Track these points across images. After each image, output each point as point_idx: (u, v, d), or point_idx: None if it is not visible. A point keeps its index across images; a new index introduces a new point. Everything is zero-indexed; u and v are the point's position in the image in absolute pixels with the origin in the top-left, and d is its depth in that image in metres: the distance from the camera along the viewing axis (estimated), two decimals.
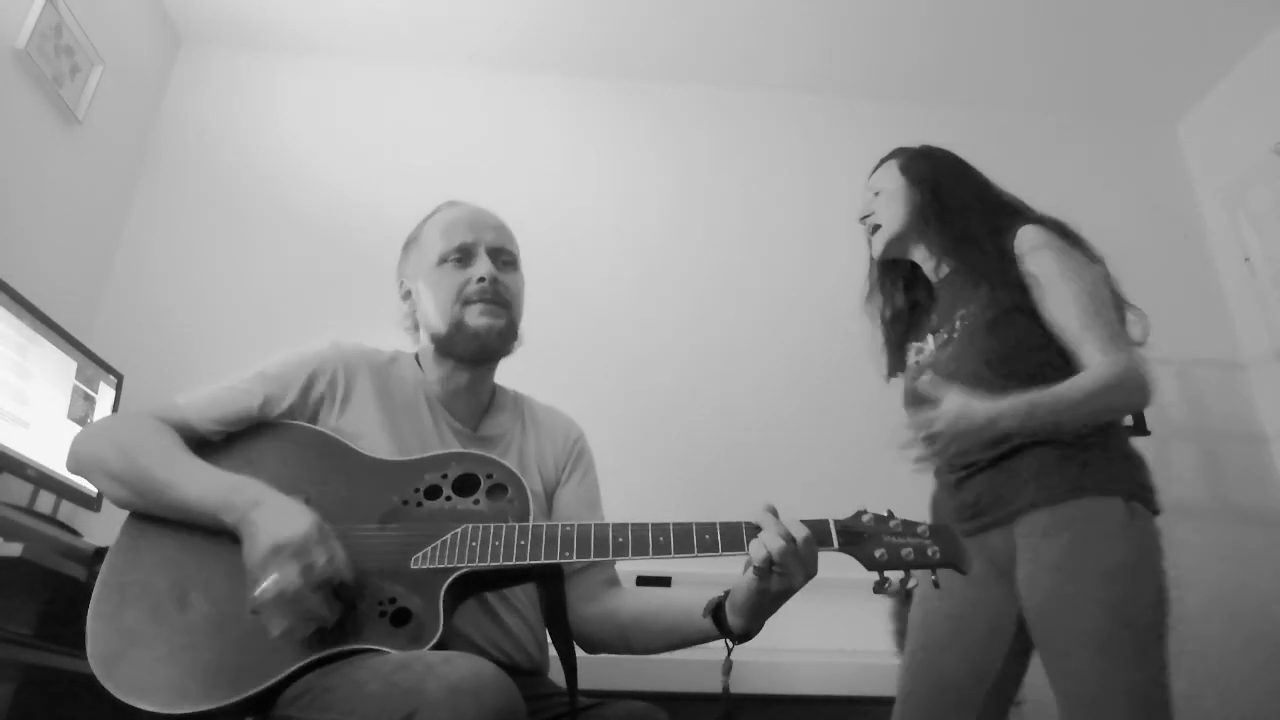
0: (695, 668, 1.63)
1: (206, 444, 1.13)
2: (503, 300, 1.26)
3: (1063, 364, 1.38)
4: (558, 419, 1.38)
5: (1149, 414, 2.34)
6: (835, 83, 3.09)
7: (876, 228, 1.61)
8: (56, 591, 1.44)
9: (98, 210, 2.56)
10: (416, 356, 1.33)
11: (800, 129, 3.08)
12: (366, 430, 1.17)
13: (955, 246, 1.51)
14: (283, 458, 1.12)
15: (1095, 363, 1.32)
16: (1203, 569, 2.55)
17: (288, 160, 2.82)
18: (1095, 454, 1.36)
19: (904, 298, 1.65)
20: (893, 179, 1.61)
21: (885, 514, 1.03)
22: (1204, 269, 3.00)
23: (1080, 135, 3.17)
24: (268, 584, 0.93)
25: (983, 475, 1.42)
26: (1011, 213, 1.53)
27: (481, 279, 1.25)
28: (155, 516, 1.07)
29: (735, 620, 1.05)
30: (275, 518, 0.98)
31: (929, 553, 0.99)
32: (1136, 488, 1.35)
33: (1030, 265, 1.41)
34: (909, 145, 1.67)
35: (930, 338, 1.54)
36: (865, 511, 1.04)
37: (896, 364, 1.64)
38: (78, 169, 2.44)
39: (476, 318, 1.24)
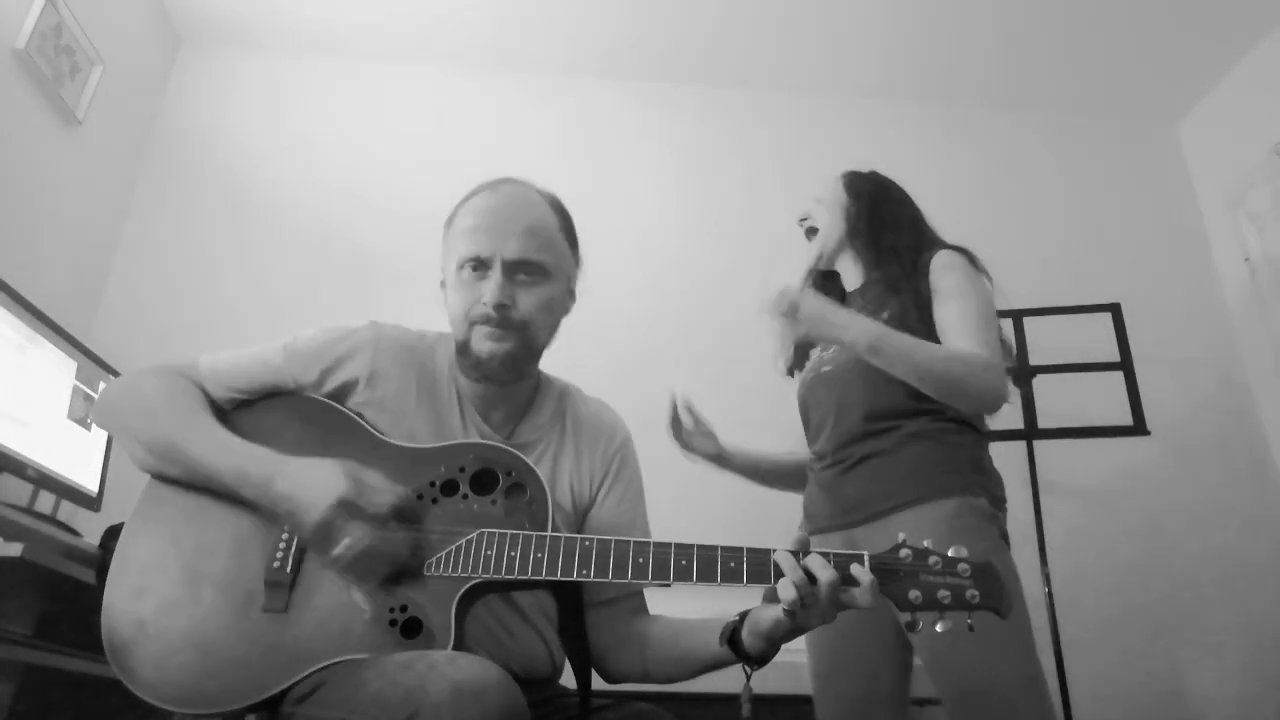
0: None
1: (220, 410, 1.13)
2: (512, 324, 1.13)
3: None
4: (601, 423, 1.26)
5: (1149, 414, 2.34)
6: (836, 83, 3.09)
7: (813, 231, 1.72)
8: (56, 591, 1.44)
9: (98, 210, 2.56)
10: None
11: (802, 129, 3.08)
12: (390, 420, 1.13)
13: (879, 259, 1.62)
14: (297, 436, 1.10)
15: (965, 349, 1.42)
16: (1201, 568, 2.55)
17: (288, 160, 2.82)
18: (968, 461, 1.47)
19: None
20: (834, 190, 1.72)
21: (924, 546, 0.96)
22: (1204, 269, 3.00)
23: (1080, 135, 3.17)
24: (340, 551, 0.95)
25: (861, 470, 1.49)
26: (933, 241, 1.64)
27: (486, 303, 1.12)
28: (170, 488, 1.08)
29: (754, 643, 0.99)
30: (305, 488, 0.98)
31: (967, 595, 0.93)
32: (998, 499, 1.46)
33: (936, 280, 1.52)
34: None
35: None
36: (904, 544, 0.96)
37: (800, 361, 1.73)
38: (78, 169, 2.44)
39: (481, 341, 1.12)
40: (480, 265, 1.14)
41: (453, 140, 2.91)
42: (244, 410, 1.14)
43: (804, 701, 1.78)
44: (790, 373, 1.79)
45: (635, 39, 2.93)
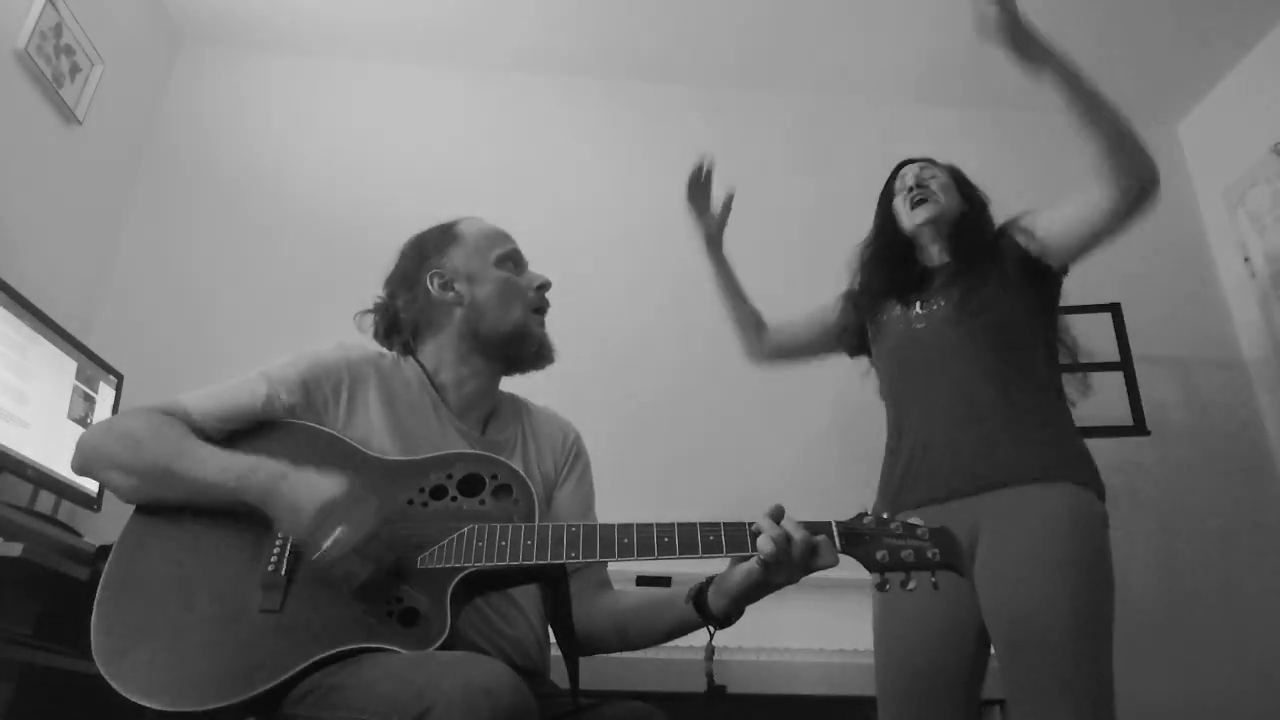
0: (694, 667, 1.62)
1: (210, 441, 1.13)
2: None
3: (1040, 339, 1.56)
4: (555, 421, 1.40)
5: (1149, 414, 2.34)
6: (835, 83, 3.09)
7: (924, 201, 1.70)
8: (56, 591, 1.44)
9: (98, 210, 2.56)
10: (416, 358, 1.31)
11: (798, 129, 3.08)
12: (372, 433, 1.17)
13: (971, 254, 1.64)
14: (287, 457, 1.11)
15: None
16: (1202, 569, 2.55)
17: (287, 160, 2.81)
18: (1072, 444, 1.46)
19: (895, 266, 1.75)
20: (945, 176, 1.75)
21: (885, 516, 1.04)
22: (1204, 269, 3.00)
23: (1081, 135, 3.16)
24: (333, 541, 0.96)
25: (967, 437, 1.48)
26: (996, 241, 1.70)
27: (542, 286, 1.32)
28: (160, 514, 1.07)
29: (719, 603, 1.07)
30: (310, 483, 1.00)
31: (929, 554, 1.00)
32: (1101, 489, 1.45)
33: (1023, 222, 1.62)
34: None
35: (918, 304, 1.65)
36: (866, 513, 1.04)
37: (854, 299, 1.77)
38: (78, 169, 2.44)
39: (538, 328, 1.31)
40: (517, 260, 1.34)
41: (452, 140, 2.91)
42: (234, 441, 1.15)
43: (796, 702, 1.79)
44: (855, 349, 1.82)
45: (632, 39, 2.92)
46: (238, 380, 1.18)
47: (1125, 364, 2.33)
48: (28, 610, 1.48)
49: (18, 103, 2.20)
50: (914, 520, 1.03)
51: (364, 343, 1.31)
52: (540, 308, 1.32)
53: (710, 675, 1.09)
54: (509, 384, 1.39)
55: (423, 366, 1.29)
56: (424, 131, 2.93)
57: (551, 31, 2.89)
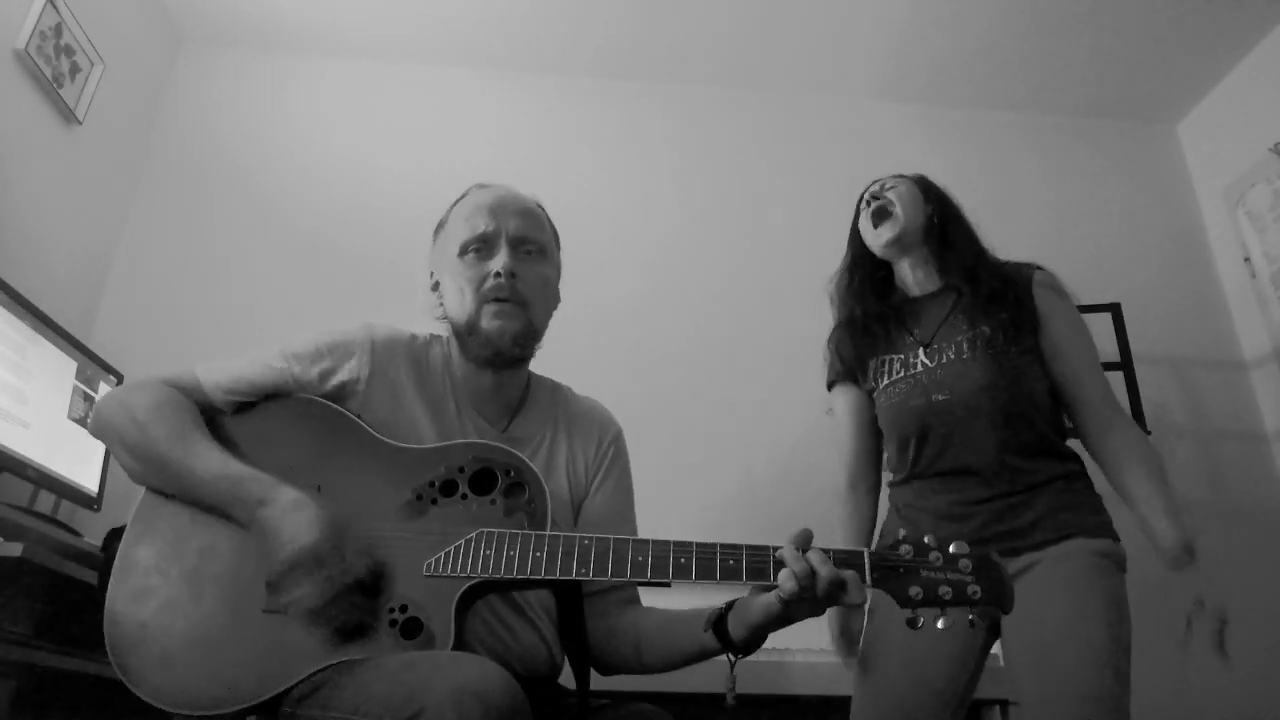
0: (700, 668, 1.62)
1: (220, 413, 1.13)
2: (520, 299, 1.17)
3: (1050, 400, 1.50)
4: (594, 417, 1.29)
5: (1149, 414, 2.34)
6: (837, 83, 3.09)
7: (888, 214, 1.60)
8: (56, 591, 1.44)
9: (98, 210, 2.56)
10: (449, 341, 1.26)
11: (804, 129, 3.08)
12: (388, 418, 1.13)
13: (966, 269, 1.56)
14: (297, 437, 1.11)
15: (1122, 430, 1.47)
16: (1202, 569, 2.54)
17: (288, 160, 2.81)
18: (1093, 496, 1.49)
19: (876, 304, 1.64)
20: (908, 186, 1.65)
21: (926, 541, 0.95)
22: (1204, 269, 3.00)
23: (1080, 135, 3.17)
24: (291, 600, 0.93)
25: (992, 507, 1.46)
26: (990, 255, 1.62)
27: (498, 274, 1.15)
28: (168, 496, 1.07)
29: (740, 631, 1.00)
30: (288, 524, 0.96)
31: (969, 591, 0.91)
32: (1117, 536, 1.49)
33: (1045, 305, 1.51)
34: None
35: (922, 350, 1.53)
36: (904, 539, 0.95)
37: (852, 372, 1.62)
38: (78, 169, 2.44)
39: (490, 320, 1.15)
40: (484, 244, 1.19)
41: (453, 141, 2.91)
42: (244, 413, 1.14)
43: (795, 702, 1.78)
44: (837, 383, 1.68)
45: (635, 39, 2.92)
46: (256, 355, 1.16)
47: (1125, 364, 2.33)
48: (28, 610, 1.47)
49: (18, 103, 2.20)
50: (955, 549, 0.93)
51: (393, 324, 1.25)
52: (498, 297, 1.16)
53: (732, 706, 1.03)
54: (547, 369, 1.32)
55: (450, 353, 1.24)
56: (425, 131, 2.92)
57: (556, 31, 2.88)
